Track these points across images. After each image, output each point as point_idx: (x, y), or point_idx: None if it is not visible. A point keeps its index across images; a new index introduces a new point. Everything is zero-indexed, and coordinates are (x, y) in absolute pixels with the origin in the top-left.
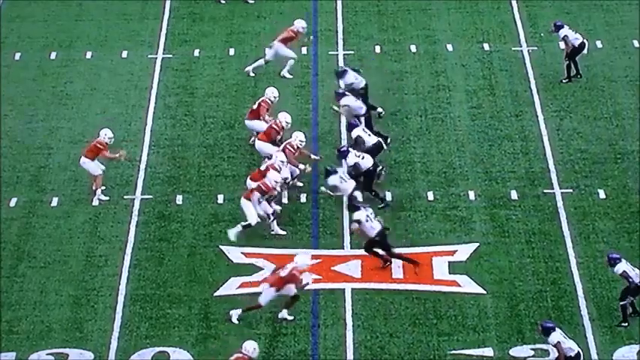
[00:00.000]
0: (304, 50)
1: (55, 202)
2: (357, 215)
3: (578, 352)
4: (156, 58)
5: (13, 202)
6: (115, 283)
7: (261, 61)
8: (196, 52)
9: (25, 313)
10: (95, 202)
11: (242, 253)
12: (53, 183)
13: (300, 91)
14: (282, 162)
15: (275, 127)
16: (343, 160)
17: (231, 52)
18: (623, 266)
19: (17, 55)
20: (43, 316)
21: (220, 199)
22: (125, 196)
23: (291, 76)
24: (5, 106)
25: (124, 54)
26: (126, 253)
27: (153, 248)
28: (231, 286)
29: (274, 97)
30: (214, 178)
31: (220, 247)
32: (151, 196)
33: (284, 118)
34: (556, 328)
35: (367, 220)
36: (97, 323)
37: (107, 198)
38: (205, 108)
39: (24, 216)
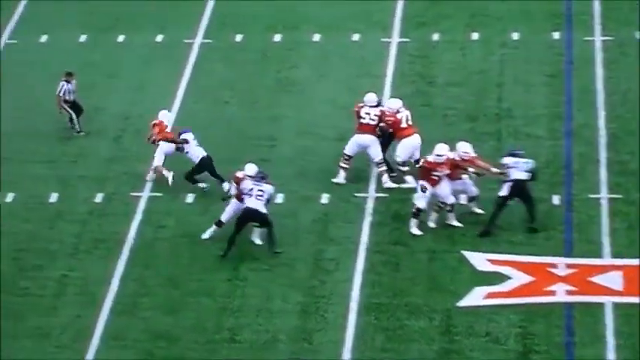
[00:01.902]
0: (556, 35)
1: (279, 198)
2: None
3: None
4: (390, 42)
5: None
6: (346, 290)
7: None
8: (435, 36)
9: (247, 320)
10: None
11: (487, 259)
12: (277, 177)
13: (551, 80)
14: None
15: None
16: None
17: (474, 36)
18: None
19: (238, 37)
20: (267, 325)
21: (463, 198)
22: (357, 194)
23: None
24: (226, 92)
25: (355, 37)
26: (358, 257)
27: (388, 252)
28: (475, 297)
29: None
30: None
31: (463, 252)
32: (386, 195)
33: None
34: None
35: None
36: (328, 334)
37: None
38: (445, 99)
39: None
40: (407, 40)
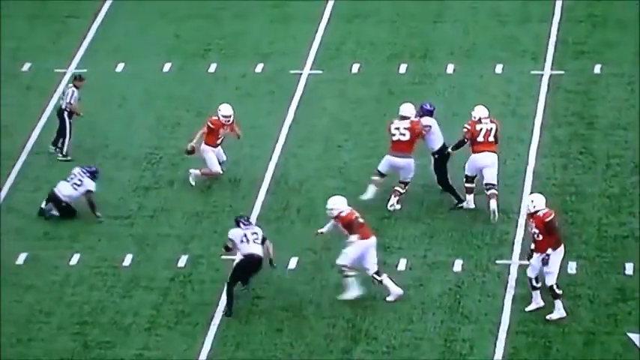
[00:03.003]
0: None
1: (402, 264)
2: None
3: None
4: (541, 74)
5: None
6: None
7: None
8: (597, 68)
9: None
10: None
11: None
12: (401, 239)
13: None
14: None
15: None
16: None
17: None
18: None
19: (355, 67)
20: None
21: (629, 268)
22: (498, 261)
23: None
24: (339, 134)
25: (498, 68)
26: (498, 339)
27: (535, 333)
28: None
29: None
30: (621, 240)
31: (629, 334)
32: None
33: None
34: None
35: (242, 241)
36: None
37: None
38: (609, 144)
39: (362, 283)
40: (562, 72)
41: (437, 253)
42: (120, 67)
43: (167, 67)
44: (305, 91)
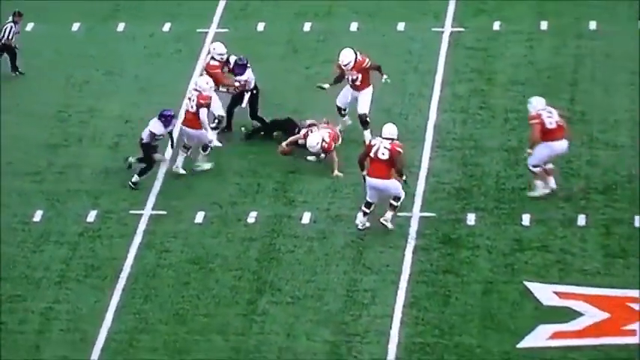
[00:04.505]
0: None
1: (306, 218)
2: None
3: None
4: (442, 32)
5: (252, 218)
6: (385, 327)
7: None
8: (496, 25)
9: None
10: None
11: (555, 292)
12: (304, 194)
13: (636, 79)
14: None
15: None
16: None
17: (543, 25)
18: None
19: (260, 26)
20: None
21: (526, 219)
22: (400, 213)
23: None
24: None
25: (400, 26)
26: (399, 288)
27: (435, 282)
28: (540, 336)
29: None
30: (518, 192)
31: (526, 283)
32: (433, 214)
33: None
34: None
35: None
36: None
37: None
38: (507, 99)
39: (266, 235)
40: (462, 29)
41: (340, 207)
42: (30, 26)
43: (76, 26)
44: None
